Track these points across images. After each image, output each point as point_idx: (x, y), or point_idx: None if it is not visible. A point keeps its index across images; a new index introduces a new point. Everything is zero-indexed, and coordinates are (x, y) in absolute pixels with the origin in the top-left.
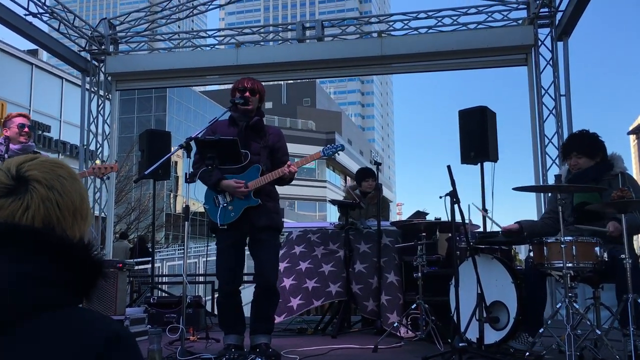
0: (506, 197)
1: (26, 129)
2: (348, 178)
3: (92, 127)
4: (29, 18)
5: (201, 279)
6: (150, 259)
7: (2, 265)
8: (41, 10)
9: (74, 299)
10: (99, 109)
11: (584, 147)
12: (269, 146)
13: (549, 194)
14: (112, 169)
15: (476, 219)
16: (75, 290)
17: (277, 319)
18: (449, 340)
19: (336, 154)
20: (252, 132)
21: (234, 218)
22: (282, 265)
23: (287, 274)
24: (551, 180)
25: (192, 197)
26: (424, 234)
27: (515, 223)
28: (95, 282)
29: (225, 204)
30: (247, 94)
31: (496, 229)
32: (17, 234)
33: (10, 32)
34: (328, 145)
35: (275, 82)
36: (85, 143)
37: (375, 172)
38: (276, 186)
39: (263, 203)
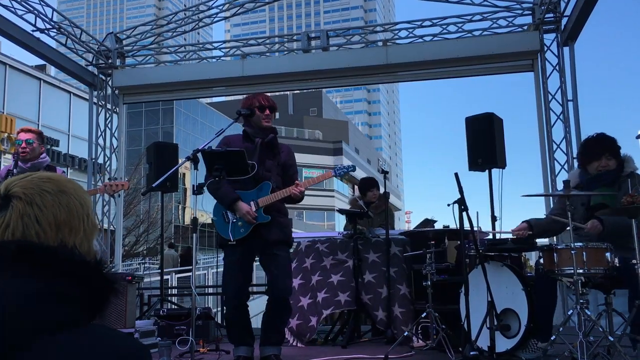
0: (515, 204)
1: (23, 145)
2: (356, 187)
3: (100, 141)
4: (37, 34)
5: (211, 290)
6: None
7: (16, 284)
8: (48, 26)
9: (87, 316)
10: (107, 122)
11: (614, 149)
12: (281, 164)
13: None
14: (123, 186)
15: (485, 226)
16: (89, 307)
17: (304, 340)
18: (460, 349)
19: (348, 174)
20: (267, 149)
21: (244, 234)
22: (296, 282)
23: (303, 292)
24: (560, 186)
25: (200, 208)
26: (432, 242)
27: (523, 222)
28: (107, 299)
29: (234, 220)
30: (267, 112)
31: (505, 235)
32: (30, 252)
33: (18, 48)
34: (340, 166)
35: (282, 93)
36: (93, 157)
37: (379, 181)
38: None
39: (273, 218)
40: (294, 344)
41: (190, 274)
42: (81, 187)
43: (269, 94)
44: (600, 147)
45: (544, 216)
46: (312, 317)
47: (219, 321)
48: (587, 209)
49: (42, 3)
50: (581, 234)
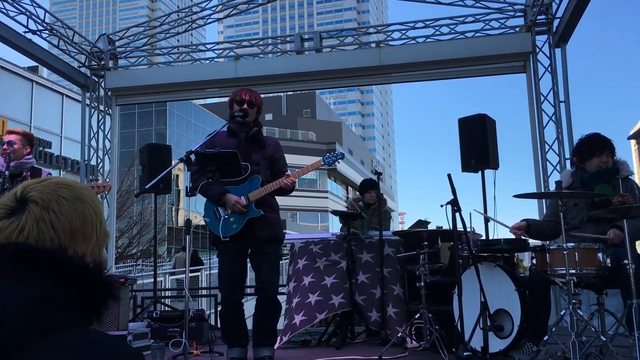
0: (508, 205)
1: (4, 146)
2: (350, 189)
3: (93, 143)
4: (29, 35)
5: (204, 292)
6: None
7: (13, 287)
8: (40, 28)
9: (83, 320)
10: (100, 124)
11: (613, 148)
12: (268, 157)
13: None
14: (105, 188)
15: (479, 227)
16: (85, 311)
17: (283, 339)
18: (454, 350)
19: (336, 163)
20: (251, 143)
21: (236, 230)
22: (291, 285)
23: (295, 294)
24: (552, 187)
25: (194, 210)
26: (426, 243)
27: (522, 220)
28: (105, 303)
29: (226, 216)
30: (245, 106)
31: (500, 235)
32: (28, 254)
33: (10, 50)
34: (328, 154)
35: (275, 94)
36: (86, 158)
37: (377, 182)
38: (277, 197)
39: (265, 214)
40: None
41: (193, 274)
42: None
43: (261, 95)
44: (602, 143)
45: (542, 221)
46: (296, 315)
47: (213, 323)
48: (592, 205)
49: (34, 4)
50: (607, 244)
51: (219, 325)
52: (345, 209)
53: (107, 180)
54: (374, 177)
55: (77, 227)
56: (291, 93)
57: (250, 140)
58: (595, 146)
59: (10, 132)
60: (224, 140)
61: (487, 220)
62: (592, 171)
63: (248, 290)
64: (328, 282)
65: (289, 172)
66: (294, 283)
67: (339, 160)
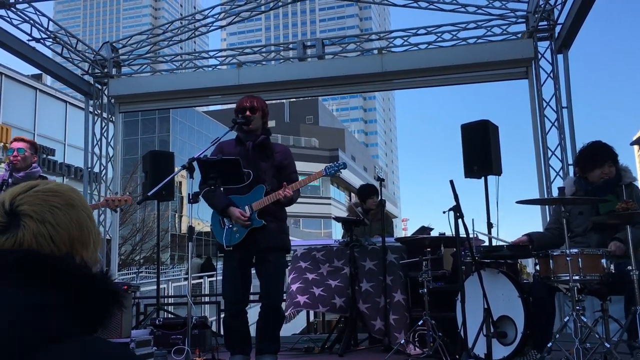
0: (511, 210)
1: (15, 153)
2: (352, 195)
3: (96, 150)
4: (32, 43)
5: (207, 299)
6: (213, 273)
7: (18, 295)
8: (44, 36)
9: (89, 329)
10: (103, 131)
11: (614, 156)
12: (275, 165)
13: (553, 206)
14: (127, 201)
15: (481, 234)
16: (91, 319)
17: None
18: (457, 357)
19: (339, 173)
20: (259, 152)
21: (239, 239)
22: (289, 276)
23: (294, 281)
24: (555, 193)
25: (197, 217)
26: (428, 249)
27: (524, 235)
28: (111, 312)
29: (230, 225)
30: (248, 112)
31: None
32: (34, 261)
33: (14, 58)
34: (330, 164)
35: (278, 101)
36: (89, 166)
37: (378, 188)
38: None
39: (267, 224)
40: None
41: (196, 281)
42: (82, 195)
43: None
44: (603, 154)
45: (546, 230)
46: (299, 295)
47: (215, 330)
48: (597, 215)
49: (38, 13)
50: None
51: (221, 332)
52: (346, 215)
53: (128, 193)
54: (376, 184)
55: (75, 235)
56: (294, 100)
57: (258, 149)
58: (596, 157)
59: (20, 140)
60: (231, 149)
61: (489, 228)
62: (596, 183)
63: (252, 297)
64: (332, 283)
65: (285, 184)
66: (293, 274)
67: (341, 171)
